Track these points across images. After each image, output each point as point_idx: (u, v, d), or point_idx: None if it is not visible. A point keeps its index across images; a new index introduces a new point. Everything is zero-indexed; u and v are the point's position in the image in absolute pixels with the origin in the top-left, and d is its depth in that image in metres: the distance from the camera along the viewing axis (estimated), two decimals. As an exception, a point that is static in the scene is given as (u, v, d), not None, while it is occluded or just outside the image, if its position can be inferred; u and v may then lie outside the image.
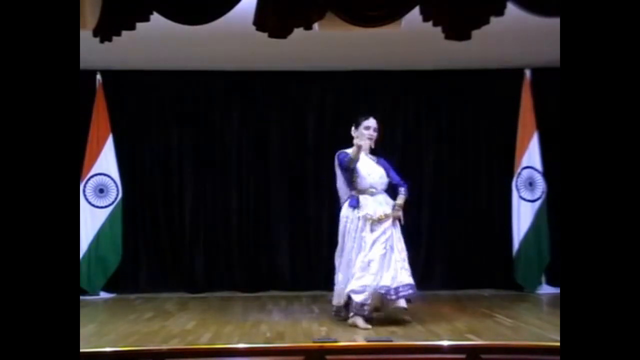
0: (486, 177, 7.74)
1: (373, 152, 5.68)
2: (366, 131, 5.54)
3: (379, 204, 5.45)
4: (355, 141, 5.41)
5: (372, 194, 5.49)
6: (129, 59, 6.99)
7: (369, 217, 5.38)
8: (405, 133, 7.76)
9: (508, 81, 7.46)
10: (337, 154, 5.60)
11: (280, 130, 7.74)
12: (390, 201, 5.52)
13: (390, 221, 5.43)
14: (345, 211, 5.52)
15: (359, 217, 5.40)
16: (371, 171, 5.54)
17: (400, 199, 5.53)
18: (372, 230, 5.38)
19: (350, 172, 5.47)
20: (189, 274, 7.56)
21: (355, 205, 5.45)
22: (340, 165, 5.53)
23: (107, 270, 7.25)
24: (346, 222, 5.48)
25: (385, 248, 5.34)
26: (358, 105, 7.60)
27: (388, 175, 5.62)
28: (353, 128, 5.62)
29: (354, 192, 5.52)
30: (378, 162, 5.65)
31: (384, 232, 5.38)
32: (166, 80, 7.55)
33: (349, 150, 5.48)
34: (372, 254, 5.31)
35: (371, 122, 5.58)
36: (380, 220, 5.39)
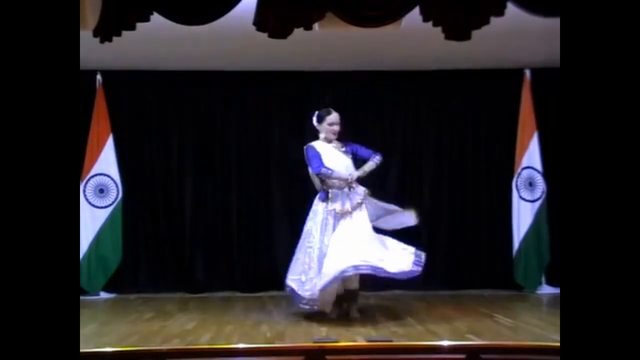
0: (486, 177, 7.73)
1: (339, 138, 5.78)
2: (330, 127, 5.70)
3: (347, 197, 5.56)
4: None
5: (341, 188, 5.60)
6: (129, 59, 6.99)
7: (337, 211, 5.52)
8: (405, 133, 7.76)
9: (508, 81, 7.46)
10: (305, 148, 5.76)
11: (280, 130, 7.73)
12: (361, 191, 5.61)
13: (358, 213, 5.53)
14: (315, 204, 5.69)
15: (328, 211, 5.57)
16: (336, 163, 5.63)
17: (368, 165, 5.67)
18: (338, 223, 5.51)
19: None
20: (189, 274, 7.56)
21: (324, 198, 5.63)
22: (309, 167, 5.72)
23: (107, 270, 7.25)
24: (315, 215, 5.64)
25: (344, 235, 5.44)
26: (358, 105, 7.62)
27: (356, 157, 5.71)
28: (315, 121, 5.78)
29: (324, 187, 5.67)
30: (345, 150, 5.72)
31: (355, 226, 5.49)
32: (166, 80, 7.54)
33: (316, 145, 5.69)
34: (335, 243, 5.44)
35: (334, 117, 5.72)
36: (346, 214, 5.51)
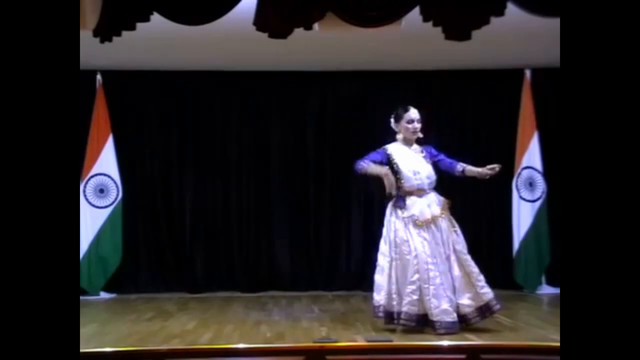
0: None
1: (418, 141, 5.30)
2: (410, 125, 5.18)
3: (427, 205, 5.06)
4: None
5: (420, 195, 5.09)
6: (129, 59, 6.99)
7: (415, 218, 4.99)
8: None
9: (508, 81, 7.46)
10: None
11: (280, 130, 7.74)
12: (442, 199, 5.14)
13: (444, 224, 5.07)
14: (389, 211, 5.13)
15: (403, 219, 5.02)
16: (418, 169, 5.14)
17: (471, 168, 5.24)
18: (419, 234, 4.98)
19: (393, 173, 5.08)
20: (189, 274, 7.56)
21: (402, 206, 5.05)
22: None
23: (107, 270, 7.25)
24: (389, 222, 5.09)
25: (437, 264, 4.93)
26: (358, 105, 7.62)
27: (437, 167, 5.23)
28: (393, 121, 5.27)
29: (400, 192, 5.10)
30: (425, 155, 5.24)
31: (435, 239, 5.00)
32: (166, 80, 7.54)
33: (391, 147, 5.18)
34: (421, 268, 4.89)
35: (414, 113, 5.19)
36: (429, 224, 5.01)
